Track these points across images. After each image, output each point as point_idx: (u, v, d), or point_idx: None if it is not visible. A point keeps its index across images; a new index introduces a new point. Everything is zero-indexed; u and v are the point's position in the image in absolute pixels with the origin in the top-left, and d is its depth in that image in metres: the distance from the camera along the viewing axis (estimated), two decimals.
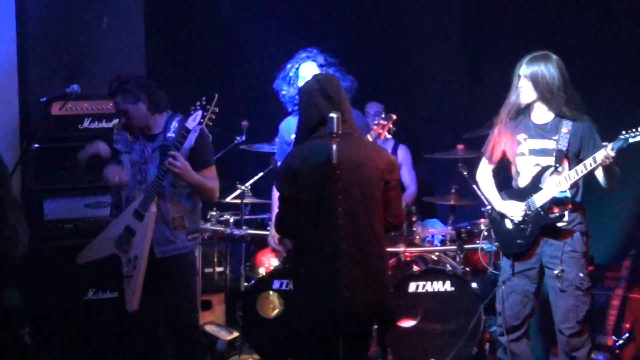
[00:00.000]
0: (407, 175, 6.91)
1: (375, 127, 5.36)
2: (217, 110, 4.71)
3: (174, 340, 5.01)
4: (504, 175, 5.24)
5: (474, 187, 5.70)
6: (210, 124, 4.74)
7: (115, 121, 5.15)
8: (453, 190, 6.10)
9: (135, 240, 4.79)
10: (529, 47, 5.63)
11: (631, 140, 4.67)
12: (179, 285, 4.96)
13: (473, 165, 5.66)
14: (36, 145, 5.64)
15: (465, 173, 5.91)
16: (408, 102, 7.00)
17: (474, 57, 6.78)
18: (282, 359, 5.68)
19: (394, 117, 5.36)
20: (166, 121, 4.92)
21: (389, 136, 5.41)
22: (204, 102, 4.70)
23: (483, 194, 5.32)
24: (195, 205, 5.00)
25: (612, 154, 4.68)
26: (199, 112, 4.68)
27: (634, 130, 4.68)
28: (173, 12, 6.93)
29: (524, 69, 4.96)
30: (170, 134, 4.84)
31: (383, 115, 5.42)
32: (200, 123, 4.68)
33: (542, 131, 4.97)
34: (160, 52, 6.62)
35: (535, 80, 4.92)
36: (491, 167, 5.21)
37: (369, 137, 5.36)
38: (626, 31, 6.12)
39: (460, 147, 6.02)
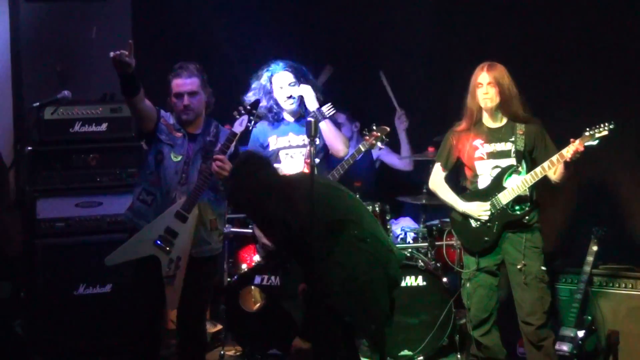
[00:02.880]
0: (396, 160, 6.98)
1: (368, 137, 5.46)
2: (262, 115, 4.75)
3: (182, 334, 5.00)
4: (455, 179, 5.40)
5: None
6: (256, 127, 4.76)
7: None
8: (424, 190, 6.19)
9: (178, 242, 4.73)
10: (499, 54, 5.84)
11: (597, 135, 4.86)
12: (204, 284, 4.98)
13: None
14: (29, 148, 5.72)
15: None
16: (382, 108, 7.05)
17: (445, 65, 6.80)
18: (263, 351, 5.85)
19: (387, 129, 5.46)
20: (205, 123, 4.89)
21: (382, 147, 5.53)
22: (249, 107, 4.73)
23: (441, 198, 5.43)
24: (224, 209, 5.05)
25: (582, 148, 4.86)
26: (245, 117, 4.70)
27: (597, 126, 4.88)
28: (159, 22, 6.91)
29: (485, 76, 5.10)
30: (210, 138, 4.82)
31: (375, 127, 5.46)
32: (247, 127, 4.71)
33: (498, 134, 5.16)
34: (147, 59, 6.37)
35: (500, 85, 5.08)
36: (444, 173, 5.37)
37: (362, 147, 5.48)
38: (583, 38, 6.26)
39: (431, 149, 6.12)
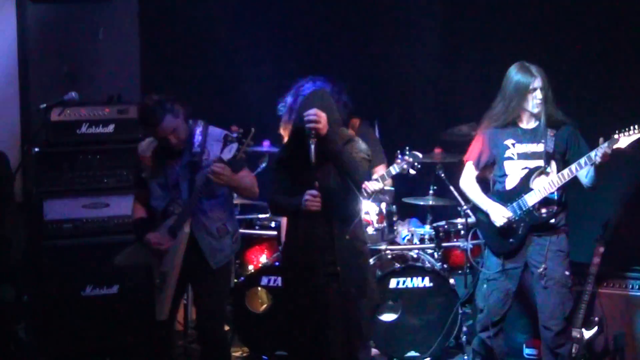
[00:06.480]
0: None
1: (399, 161, 5.39)
2: (252, 144, 4.67)
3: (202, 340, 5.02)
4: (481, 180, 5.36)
5: (452, 188, 5.78)
6: (244, 156, 4.69)
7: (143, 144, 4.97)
8: (431, 192, 6.22)
9: (167, 256, 4.76)
10: (506, 52, 5.83)
11: (627, 138, 4.80)
12: (223, 291, 5.01)
13: (450, 168, 5.85)
14: (36, 150, 5.72)
15: (442, 175, 5.98)
16: (387, 107, 7.04)
17: (451, 63, 6.78)
18: (269, 352, 5.85)
19: (420, 155, 5.42)
20: (189, 134, 4.82)
21: (412, 172, 5.44)
22: (240, 135, 4.63)
23: (470, 198, 5.37)
24: (232, 207, 5.02)
25: (610, 151, 4.80)
26: (235, 145, 4.62)
27: (627, 129, 4.82)
28: (167, 22, 6.88)
29: (539, 81, 5.01)
30: (195, 149, 4.79)
31: (407, 153, 5.41)
32: (235, 156, 4.63)
33: (530, 135, 5.10)
34: (155, 60, 6.63)
35: (545, 90, 5.03)
36: (476, 173, 5.31)
37: (392, 170, 5.43)
38: (603, 36, 6.22)
39: (437, 150, 6.09)
